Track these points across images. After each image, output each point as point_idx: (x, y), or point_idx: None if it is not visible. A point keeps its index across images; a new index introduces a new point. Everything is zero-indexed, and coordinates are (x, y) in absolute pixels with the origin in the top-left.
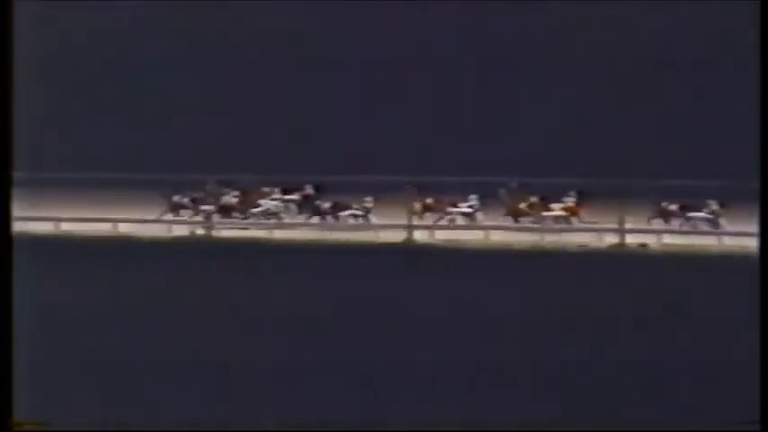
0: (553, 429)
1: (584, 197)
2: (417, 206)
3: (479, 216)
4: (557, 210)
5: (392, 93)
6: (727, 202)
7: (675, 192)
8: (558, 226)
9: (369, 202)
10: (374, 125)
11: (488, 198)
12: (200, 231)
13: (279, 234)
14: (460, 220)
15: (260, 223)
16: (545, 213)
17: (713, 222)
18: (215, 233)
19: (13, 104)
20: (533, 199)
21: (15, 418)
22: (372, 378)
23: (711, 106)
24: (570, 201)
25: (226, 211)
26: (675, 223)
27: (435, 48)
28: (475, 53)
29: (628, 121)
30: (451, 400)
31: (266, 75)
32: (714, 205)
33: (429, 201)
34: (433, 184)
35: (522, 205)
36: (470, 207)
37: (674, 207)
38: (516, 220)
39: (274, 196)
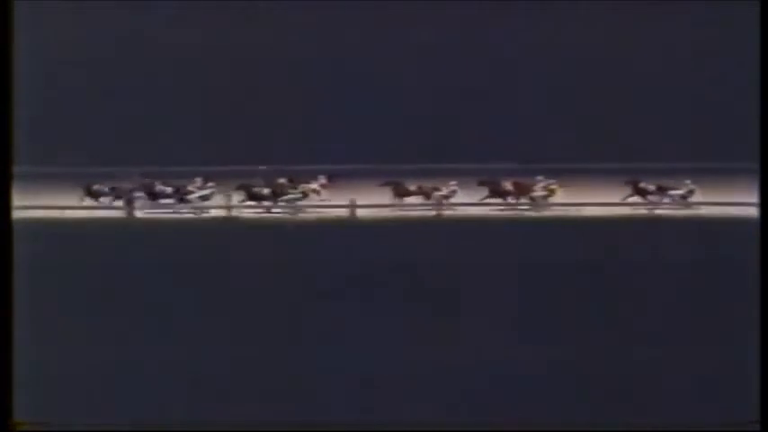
0: (552, 429)
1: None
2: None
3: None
4: (537, 190)
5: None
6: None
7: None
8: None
9: (310, 186)
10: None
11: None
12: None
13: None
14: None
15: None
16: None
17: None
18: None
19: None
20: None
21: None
22: None
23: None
24: (549, 182)
25: (157, 197)
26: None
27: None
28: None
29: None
30: None
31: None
32: (690, 185)
33: (412, 187)
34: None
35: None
36: (452, 192)
37: (651, 187)
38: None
39: (208, 185)
